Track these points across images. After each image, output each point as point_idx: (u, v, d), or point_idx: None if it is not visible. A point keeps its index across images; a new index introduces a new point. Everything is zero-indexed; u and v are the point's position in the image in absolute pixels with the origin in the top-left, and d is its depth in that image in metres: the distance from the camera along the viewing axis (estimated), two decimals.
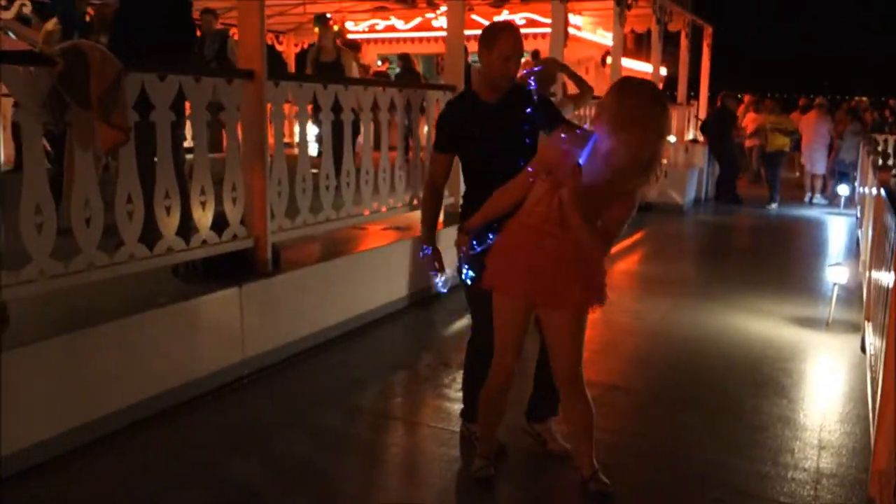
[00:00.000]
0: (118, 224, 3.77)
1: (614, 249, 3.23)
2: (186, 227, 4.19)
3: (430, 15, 14.86)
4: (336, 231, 5.61)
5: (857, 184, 11.72)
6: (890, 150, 15.17)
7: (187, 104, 4.24)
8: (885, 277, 4.11)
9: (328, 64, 8.80)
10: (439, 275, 3.54)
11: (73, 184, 3.65)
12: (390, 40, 16.06)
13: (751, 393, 4.37)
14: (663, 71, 14.52)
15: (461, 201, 3.54)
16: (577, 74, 6.44)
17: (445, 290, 3.75)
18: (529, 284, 2.98)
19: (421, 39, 15.53)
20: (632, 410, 4.19)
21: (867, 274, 5.96)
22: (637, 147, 2.69)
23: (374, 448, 3.72)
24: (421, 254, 3.57)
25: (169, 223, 4.04)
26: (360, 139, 6.17)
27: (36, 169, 3.37)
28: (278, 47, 15.83)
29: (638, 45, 17.09)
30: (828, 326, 5.66)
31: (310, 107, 5.12)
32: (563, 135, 2.92)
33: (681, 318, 5.89)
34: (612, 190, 2.83)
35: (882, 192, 5.65)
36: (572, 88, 6.81)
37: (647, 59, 13.40)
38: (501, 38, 3.30)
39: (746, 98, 16.29)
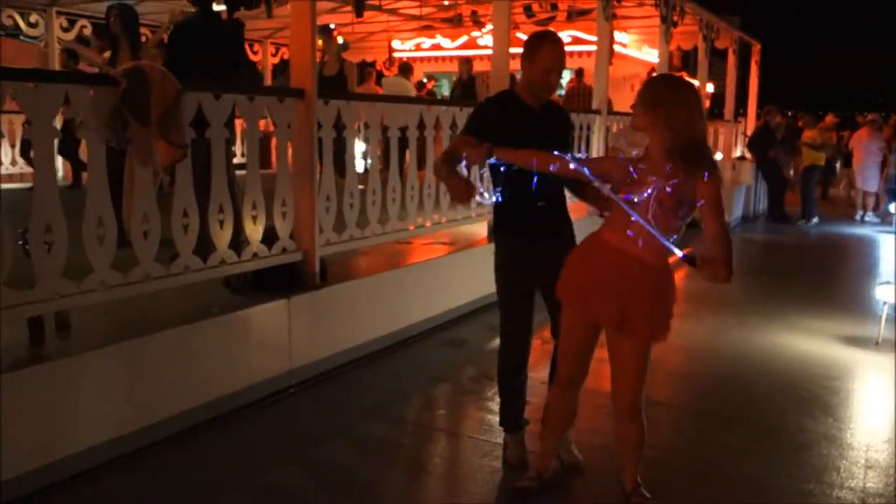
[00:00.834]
0: (174, 237, 3.92)
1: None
2: (238, 241, 4.33)
3: (475, 33, 14.99)
4: (382, 245, 5.71)
5: None
6: None
7: (237, 122, 4.37)
8: None
9: (329, 78, 8.18)
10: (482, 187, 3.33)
11: (132, 198, 3.81)
12: (436, 59, 16.24)
13: (795, 411, 4.33)
14: (710, 88, 14.42)
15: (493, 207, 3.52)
16: None
17: (490, 199, 3.50)
18: (603, 309, 2.99)
19: (467, 58, 15.66)
20: (674, 426, 4.19)
21: None
22: (669, 121, 2.81)
23: (418, 458, 3.78)
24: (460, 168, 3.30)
25: (222, 236, 4.18)
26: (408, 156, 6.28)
27: (99, 184, 3.53)
28: None
29: (685, 63, 16.96)
30: (877, 346, 5.57)
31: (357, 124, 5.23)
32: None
33: (726, 336, 5.85)
34: (686, 190, 2.87)
35: None
36: None
37: (694, 77, 13.33)
38: (542, 50, 3.27)
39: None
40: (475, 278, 5.82)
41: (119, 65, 5.26)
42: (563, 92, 13.02)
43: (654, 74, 3.12)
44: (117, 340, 3.60)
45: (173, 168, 3.86)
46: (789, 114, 18.69)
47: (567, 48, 3.53)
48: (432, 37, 16.05)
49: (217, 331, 4.04)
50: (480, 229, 6.63)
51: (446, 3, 13.33)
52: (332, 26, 9.24)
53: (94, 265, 3.50)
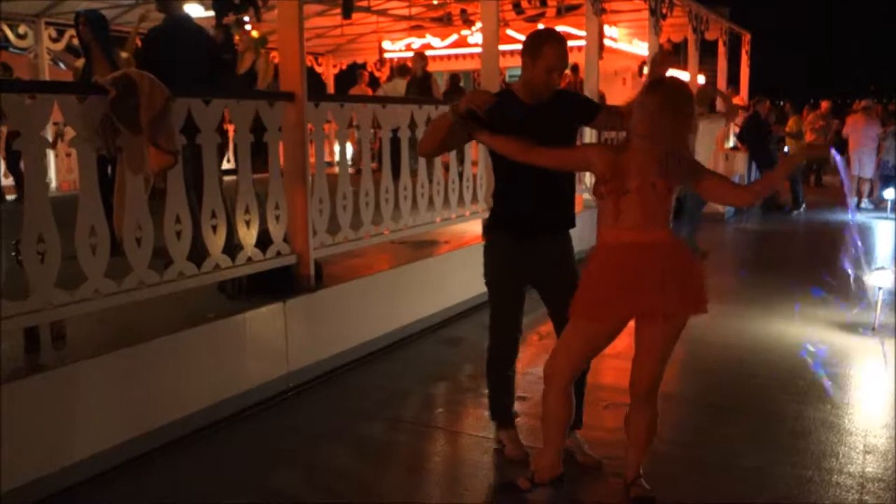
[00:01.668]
0: (167, 243, 3.92)
1: None
2: (231, 246, 4.33)
3: (465, 32, 14.98)
4: (377, 246, 5.71)
5: None
6: None
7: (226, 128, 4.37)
8: None
9: (241, 76, 7.98)
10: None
11: (123, 206, 3.81)
12: (429, 58, 16.22)
13: (794, 399, 4.34)
14: (701, 79, 14.40)
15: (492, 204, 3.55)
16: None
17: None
18: (624, 304, 2.97)
19: (457, 56, 15.67)
20: (674, 416, 4.17)
21: None
22: (646, 106, 2.89)
23: (417, 458, 3.78)
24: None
25: (215, 242, 4.18)
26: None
27: (91, 192, 3.53)
28: (317, 69, 16.13)
29: (675, 55, 16.98)
30: (874, 331, 5.58)
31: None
32: None
33: (723, 325, 5.84)
34: (674, 172, 2.91)
35: None
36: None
37: (685, 68, 13.32)
38: (547, 49, 3.20)
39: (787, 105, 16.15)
40: (470, 276, 5.79)
41: (96, 72, 5.23)
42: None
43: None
44: (113, 348, 3.59)
45: (165, 175, 3.86)
46: (780, 103, 18.74)
47: None
48: (422, 36, 16.03)
49: (214, 336, 4.04)
50: (475, 227, 6.63)
51: (435, 2, 13.31)
52: (246, 19, 8.42)
53: (87, 274, 3.50)
